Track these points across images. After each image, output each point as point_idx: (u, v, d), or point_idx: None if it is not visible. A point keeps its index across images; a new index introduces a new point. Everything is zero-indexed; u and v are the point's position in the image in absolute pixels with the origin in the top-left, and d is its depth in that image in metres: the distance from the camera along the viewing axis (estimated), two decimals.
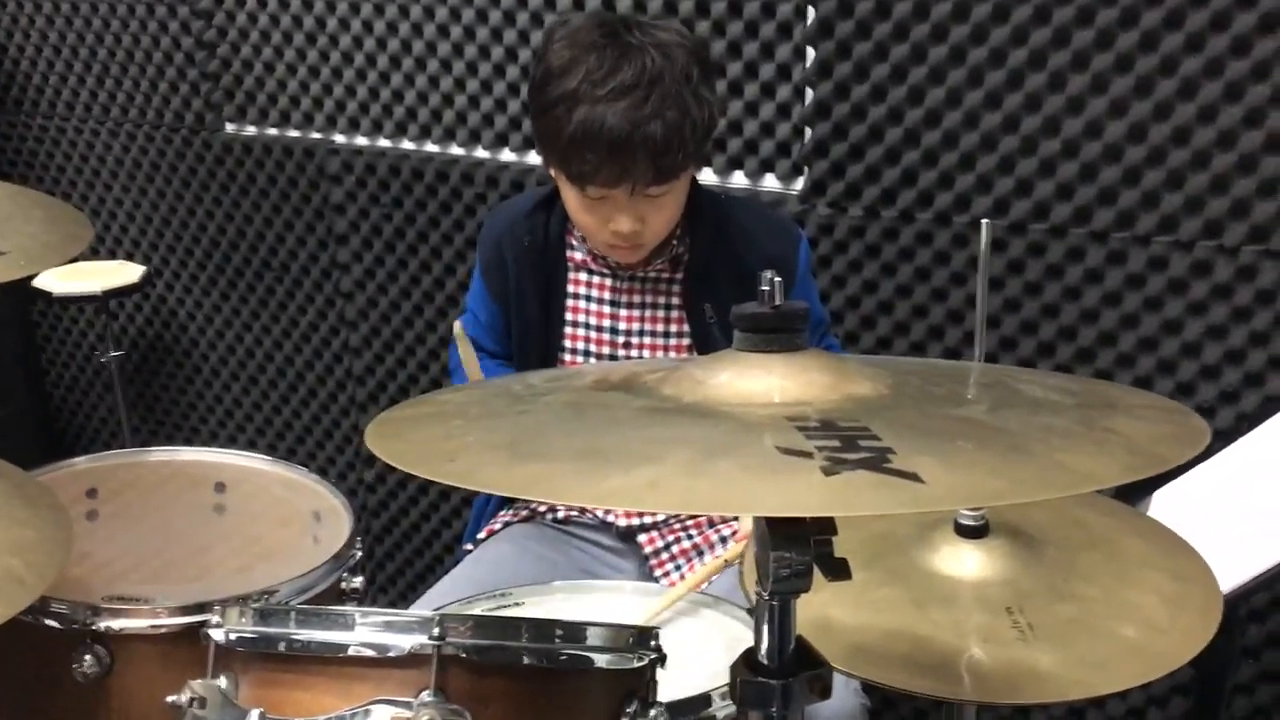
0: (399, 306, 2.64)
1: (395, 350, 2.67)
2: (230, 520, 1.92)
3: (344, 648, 1.07)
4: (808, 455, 0.70)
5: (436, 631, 1.01)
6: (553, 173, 1.74)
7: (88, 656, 1.53)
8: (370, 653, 1.05)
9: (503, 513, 1.95)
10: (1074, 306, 2.02)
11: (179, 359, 3.00)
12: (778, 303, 0.86)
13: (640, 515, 1.87)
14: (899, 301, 2.15)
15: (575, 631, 1.11)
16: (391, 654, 1.02)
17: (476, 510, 2.01)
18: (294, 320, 2.79)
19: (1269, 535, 1.35)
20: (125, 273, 2.72)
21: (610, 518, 1.88)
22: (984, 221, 1.16)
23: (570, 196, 1.71)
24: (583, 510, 1.91)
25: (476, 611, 1.55)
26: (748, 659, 0.91)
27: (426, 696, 1.01)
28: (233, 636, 1.07)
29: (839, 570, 0.83)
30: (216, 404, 3.00)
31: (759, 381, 0.83)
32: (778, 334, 0.85)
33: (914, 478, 0.66)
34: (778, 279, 0.86)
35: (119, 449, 2.00)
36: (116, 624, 1.53)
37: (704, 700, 1.34)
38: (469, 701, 1.01)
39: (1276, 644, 2.00)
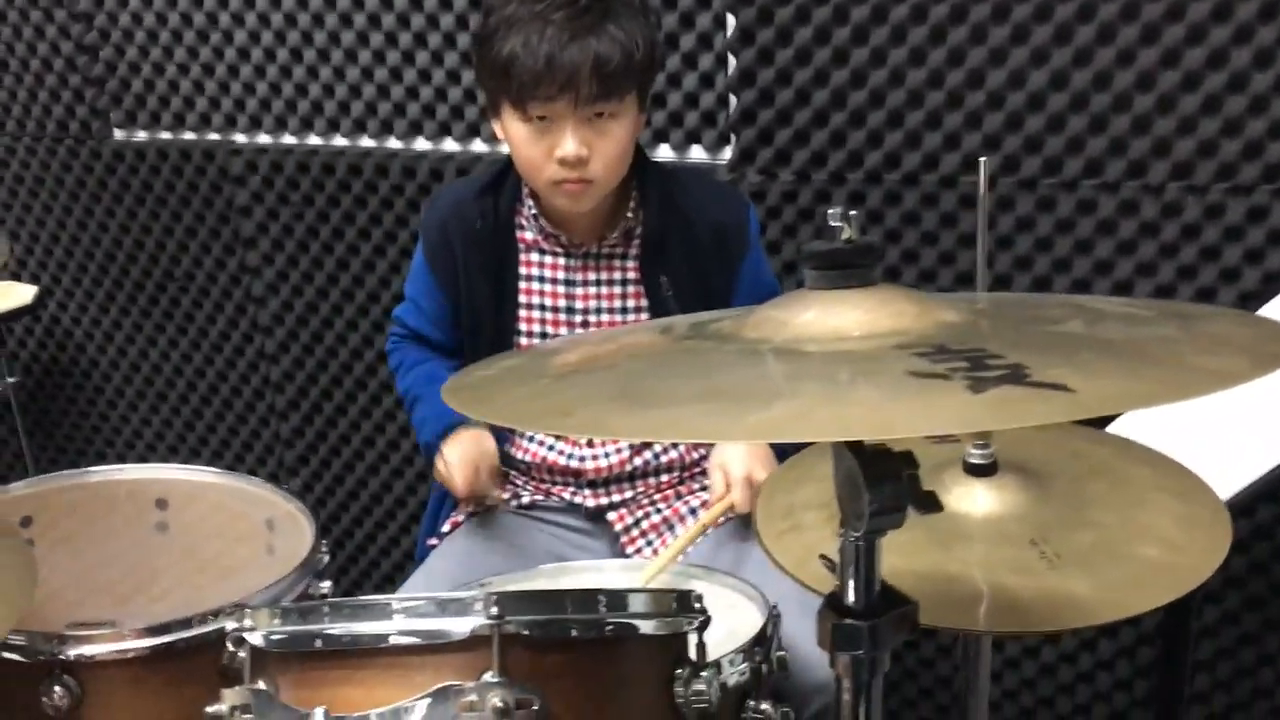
0: (316, 308, 2.56)
1: (315, 353, 2.59)
2: (176, 536, 1.85)
3: (385, 637, 1.02)
4: (944, 377, 0.69)
5: (495, 610, 0.98)
6: (498, 125, 1.71)
7: (57, 688, 1.46)
8: (416, 640, 1.01)
9: (463, 504, 1.90)
10: (1007, 255, 2.06)
11: (78, 380, 2.86)
12: (851, 237, 0.85)
13: (608, 494, 1.85)
14: None
15: (618, 600, 1.08)
16: (454, 638, 0.98)
17: (434, 503, 1.96)
18: (203, 330, 2.69)
19: (1255, 441, 1.40)
20: (16, 294, 2.57)
21: (577, 499, 1.86)
22: (981, 160, 1.17)
23: (514, 131, 1.67)
24: (549, 493, 1.88)
25: None
26: (833, 603, 0.90)
27: (490, 678, 0.97)
28: (274, 638, 1.02)
29: (930, 503, 0.83)
30: (123, 424, 2.87)
31: (846, 316, 0.82)
32: (855, 269, 0.84)
33: (1063, 388, 0.66)
34: (853, 212, 0.85)
35: (18, 479, 1.89)
36: (85, 651, 1.46)
37: (716, 667, 1.33)
38: (534, 680, 0.98)
39: (1232, 622, 2.09)
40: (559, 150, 1.63)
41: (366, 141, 2.44)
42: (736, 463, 1.69)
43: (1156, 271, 1.98)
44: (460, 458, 1.75)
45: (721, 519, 1.73)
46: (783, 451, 1.63)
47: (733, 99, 2.15)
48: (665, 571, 1.62)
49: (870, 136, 2.08)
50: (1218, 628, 2.09)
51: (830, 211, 0.86)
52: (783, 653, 1.42)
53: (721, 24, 2.13)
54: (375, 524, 2.68)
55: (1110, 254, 2.00)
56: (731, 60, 2.13)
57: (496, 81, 1.65)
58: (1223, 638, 2.09)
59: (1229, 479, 1.40)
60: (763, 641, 1.40)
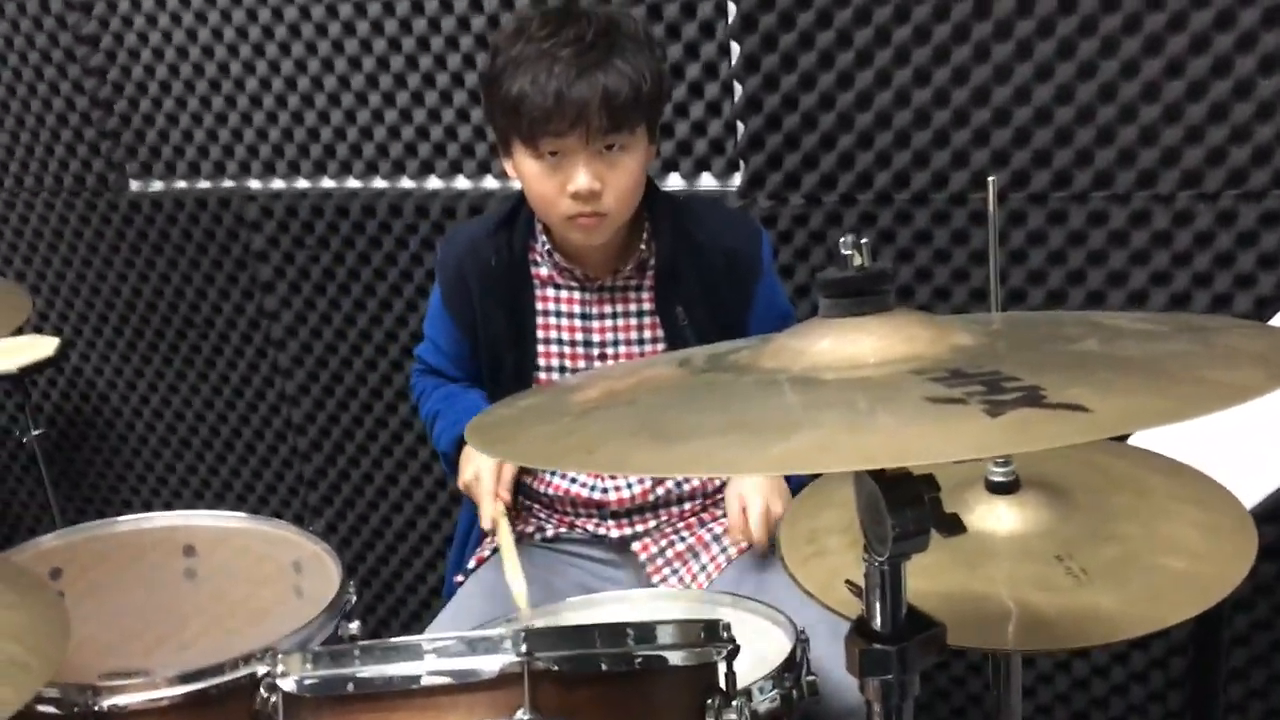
0: (335, 349, 2.57)
1: (335, 393, 2.61)
2: (204, 582, 1.86)
3: (416, 678, 1.03)
4: (961, 402, 0.70)
5: (524, 648, 0.98)
6: (509, 164, 1.73)
7: None
8: (448, 680, 1.02)
9: (489, 539, 1.91)
10: (1021, 269, 2.06)
11: (102, 430, 2.89)
12: (863, 264, 0.86)
13: (632, 524, 1.86)
14: None
15: (646, 632, 1.09)
16: (484, 676, 0.98)
17: (459, 540, 1.97)
18: (224, 376, 2.71)
19: (1276, 448, 1.39)
20: (39, 347, 2.60)
21: (601, 530, 1.86)
22: (990, 179, 1.18)
23: (527, 168, 1.68)
24: (572, 526, 1.88)
25: None
26: (860, 628, 0.90)
27: (522, 715, 0.98)
28: (306, 682, 1.03)
29: (953, 525, 0.83)
30: (148, 472, 2.89)
31: (861, 343, 0.83)
32: (869, 296, 0.85)
33: (1080, 408, 0.67)
34: (864, 240, 0.86)
35: (46, 531, 1.90)
36: (119, 701, 1.46)
37: (746, 694, 1.34)
38: (566, 715, 0.98)
39: (1264, 628, 2.08)
40: (571, 185, 1.65)
41: (379, 182, 2.47)
42: (753, 495, 1.70)
43: (1171, 280, 1.98)
44: (490, 462, 1.76)
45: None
46: (799, 481, 1.63)
47: (740, 126, 2.17)
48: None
49: (879, 157, 2.08)
50: (1250, 635, 2.08)
51: (841, 239, 0.87)
52: (813, 677, 1.42)
53: (726, 52, 2.15)
54: (401, 561, 2.69)
55: (1124, 265, 2.00)
56: (737, 87, 2.15)
57: (507, 120, 1.67)
58: (1255, 645, 2.08)
59: (1253, 486, 1.39)
60: (792, 667, 1.40)
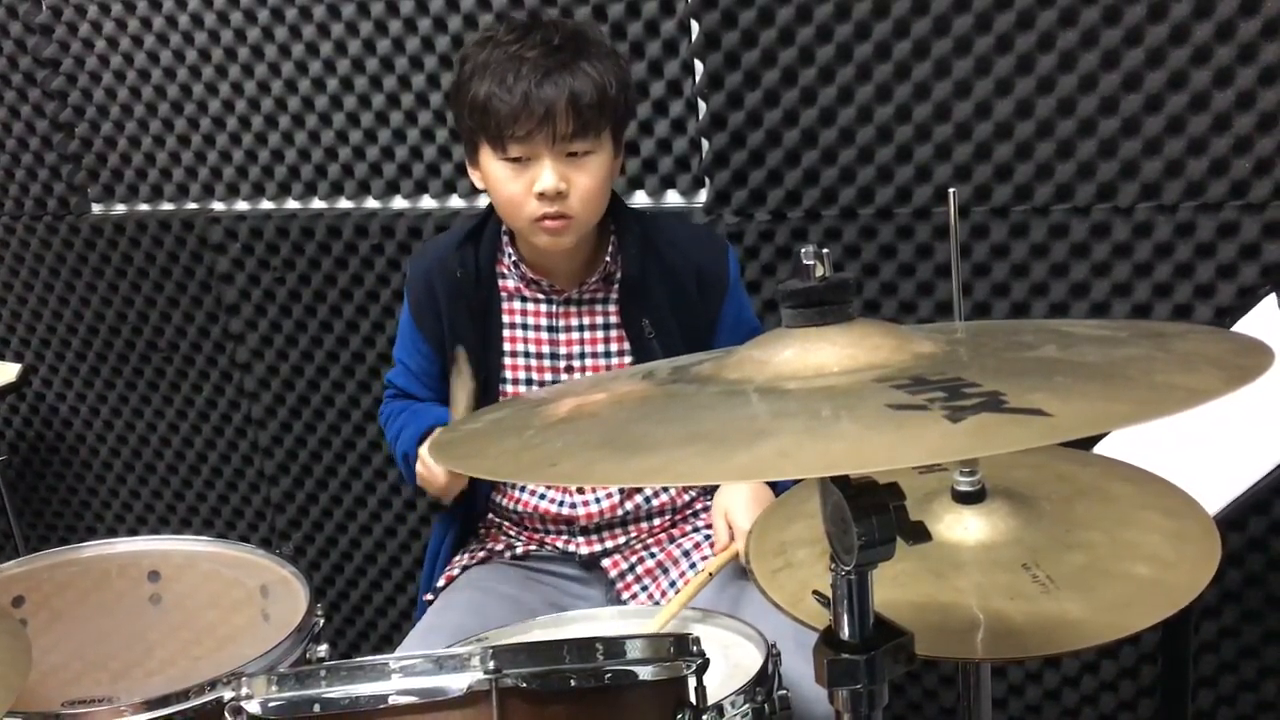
0: (301, 371, 2.56)
1: (302, 415, 2.59)
2: (170, 608, 1.85)
3: (384, 698, 1.02)
4: (922, 408, 0.70)
5: (492, 665, 0.98)
6: (477, 174, 1.74)
7: None
8: (415, 699, 1.01)
9: (458, 557, 1.90)
10: (985, 282, 2.08)
11: (66, 456, 2.85)
12: (825, 275, 0.86)
13: (601, 540, 1.85)
14: None
15: (615, 647, 1.09)
16: (452, 694, 0.98)
17: (430, 559, 1.96)
18: (189, 399, 2.69)
19: (1239, 455, 1.41)
20: (1, 373, 2.57)
21: (571, 547, 1.86)
22: (950, 191, 1.19)
23: (494, 171, 1.69)
24: (542, 543, 1.88)
25: None
26: (828, 639, 0.90)
27: None
28: (271, 705, 1.02)
29: (918, 534, 0.83)
30: (112, 498, 2.86)
31: (825, 353, 0.83)
32: (831, 306, 0.86)
33: (1039, 413, 0.67)
34: (825, 250, 0.87)
35: (9, 559, 1.88)
36: None
37: (718, 709, 1.33)
38: None
39: (1232, 634, 2.09)
40: (538, 184, 1.65)
41: (344, 203, 2.46)
42: (740, 511, 1.70)
43: (1132, 291, 1.99)
44: None
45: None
46: (784, 485, 1.63)
47: (705, 143, 2.17)
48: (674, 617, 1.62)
49: (843, 173, 2.09)
50: (1218, 642, 2.09)
51: (803, 250, 0.87)
52: (785, 691, 1.42)
53: (690, 70, 2.16)
54: (371, 583, 2.67)
55: (1086, 276, 2.01)
56: (702, 105, 2.16)
57: (475, 121, 1.67)
58: (1223, 652, 2.09)
59: (1218, 493, 1.41)
60: (764, 681, 1.40)
